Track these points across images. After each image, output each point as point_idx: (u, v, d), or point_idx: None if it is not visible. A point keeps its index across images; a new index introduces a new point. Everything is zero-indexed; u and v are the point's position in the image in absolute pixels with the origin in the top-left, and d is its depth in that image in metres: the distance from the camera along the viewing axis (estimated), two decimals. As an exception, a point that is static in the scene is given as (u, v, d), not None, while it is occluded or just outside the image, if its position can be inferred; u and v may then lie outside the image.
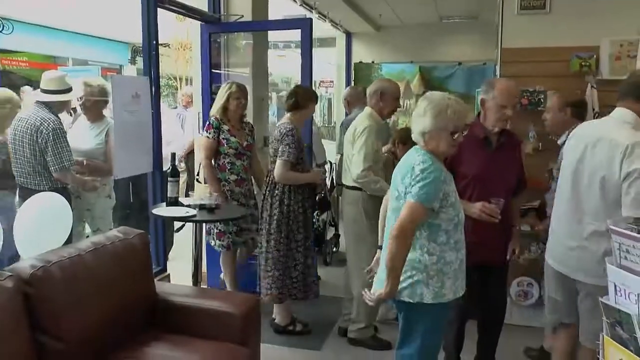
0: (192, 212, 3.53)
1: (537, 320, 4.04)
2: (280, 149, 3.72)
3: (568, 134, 3.17)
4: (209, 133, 4.04)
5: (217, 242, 4.14)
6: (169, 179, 3.69)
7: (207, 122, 4.11)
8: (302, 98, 3.87)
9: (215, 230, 4.13)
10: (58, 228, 3.05)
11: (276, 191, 3.81)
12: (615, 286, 2.06)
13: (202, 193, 4.18)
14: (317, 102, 4.07)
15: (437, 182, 2.32)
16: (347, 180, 3.75)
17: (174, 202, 3.69)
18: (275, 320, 4.04)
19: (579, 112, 3.30)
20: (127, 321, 2.67)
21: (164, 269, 4.47)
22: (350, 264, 3.87)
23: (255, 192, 4.27)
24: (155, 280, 3.07)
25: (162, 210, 3.62)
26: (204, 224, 4.12)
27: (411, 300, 2.40)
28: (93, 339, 2.44)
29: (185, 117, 6.88)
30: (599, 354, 2.16)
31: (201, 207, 3.62)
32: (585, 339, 2.68)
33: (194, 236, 3.72)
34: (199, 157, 4.19)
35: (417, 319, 2.46)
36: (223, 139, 4.05)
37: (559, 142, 3.32)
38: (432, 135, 2.38)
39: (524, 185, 3.17)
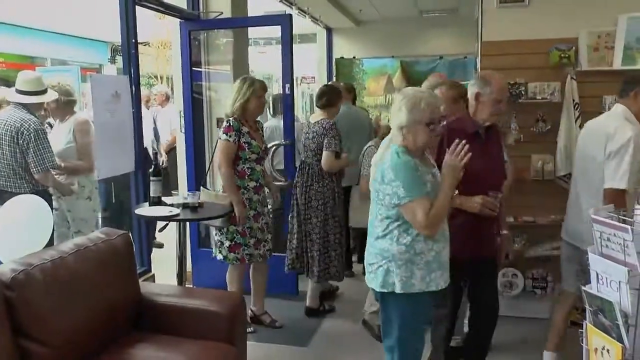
0: (176, 211, 3.51)
1: (522, 310, 4.09)
2: (325, 142, 4.11)
3: None
4: (229, 136, 3.70)
5: (231, 255, 3.84)
6: (152, 178, 3.65)
7: (226, 124, 3.73)
8: (332, 97, 4.30)
9: (228, 244, 3.85)
10: (39, 231, 3.01)
11: (326, 181, 4.19)
12: (597, 274, 2.08)
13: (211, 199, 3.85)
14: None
15: (411, 171, 2.38)
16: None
17: (157, 202, 3.66)
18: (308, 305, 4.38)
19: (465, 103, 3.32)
20: (112, 323, 2.64)
21: (149, 269, 4.44)
22: None
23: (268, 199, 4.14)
24: (139, 280, 3.05)
25: (145, 210, 3.59)
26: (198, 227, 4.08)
27: (384, 290, 2.47)
28: (77, 342, 2.42)
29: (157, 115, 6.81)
30: (582, 342, 2.18)
31: (184, 206, 3.59)
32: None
33: (178, 235, 3.69)
34: (218, 162, 3.80)
35: (391, 309, 2.53)
36: (244, 142, 3.74)
37: None
38: (410, 129, 2.42)
39: (505, 177, 3.20)
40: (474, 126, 2.89)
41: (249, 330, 3.84)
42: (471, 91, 2.93)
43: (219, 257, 3.91)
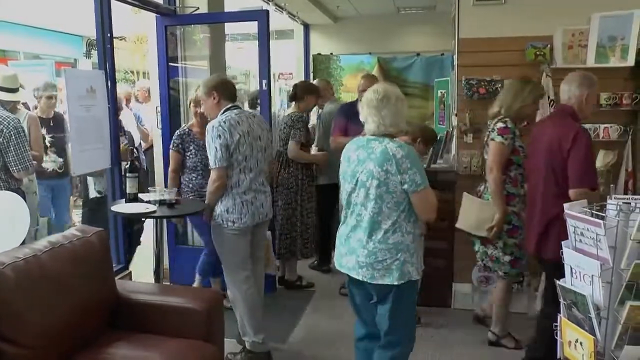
0: (152, 208, 3.47)
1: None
2: (291, 133, 4.53)
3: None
4: (505, 138, 3.38)
5: (513, 271, 3.54)
6: (128, 174, 3.61)
7: (503, 125, 3.41)
8: (299, 91, 4.70)
9: (508, 258, 3.49)
10: (16, 228, 2.96)
11: (291, 168, 4.63)
12: (571, 268, 2.12)
13: (479, 210, 3.54)
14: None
15: (419, 161, 2.59)
16: None
17: (134, 198, 3.62)
18: (285, 277, 4.85)
19: (224, 91, 3.37)
20: (88, 322, 2.61)
21: (126, 267, 4.39)
22: None
23: None
24: (116, 278, 3.02)
25: (122, 206, 3.55)
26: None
27: (402, 281, 2.55)
28: (53, 342, 2.38)
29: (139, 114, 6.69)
30: (556, 335, 2.22)
31: (161, 202, 3.56)
32: None
33: (155, 232, 3.66)
34: (488, 165, 3.48)
35: (406, 299, 2.62)
36: (519, 146, 3.43)
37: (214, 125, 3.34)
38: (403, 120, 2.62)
39: None
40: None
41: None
42: (577, 91, 3.05)
43: (500, 272, 3.57)
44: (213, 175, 3.29)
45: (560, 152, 2.96)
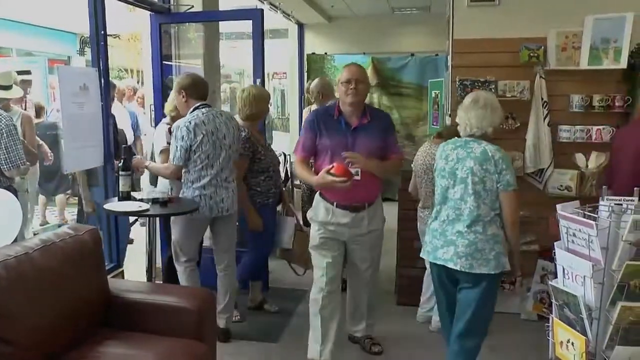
0: (145, 206, 3.46)
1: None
2: None
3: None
4: None
5: None
6: (121, 172, 3.59)
7: None
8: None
9: None
10: (9, 226, 2.94)
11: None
12: (563, 269, 2.13)
13: None
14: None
15: (512, 165, 2.75)
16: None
17: (126, 197, 3.60)
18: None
19: (193, 91, 3.50)
20: (80, 320, 2.60)
21: (118, 265, 4.38)
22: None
23: None
24: (108, 277, 3.00)
25: (115, 205, 3.54)
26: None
27: (497, 272, 2.69)
28: (44, 341, 2.36)
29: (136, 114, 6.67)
30: (548, 336, 2.23)
31: (154, 201, 3.54)
32: None
33: (148, 230, 3.65)
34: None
35: (495, 287, 2.80)
36: None
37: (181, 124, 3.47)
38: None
39: None
40: None
41: None
42: None
43: None
44: (170, 168, 3.52)
45: None
